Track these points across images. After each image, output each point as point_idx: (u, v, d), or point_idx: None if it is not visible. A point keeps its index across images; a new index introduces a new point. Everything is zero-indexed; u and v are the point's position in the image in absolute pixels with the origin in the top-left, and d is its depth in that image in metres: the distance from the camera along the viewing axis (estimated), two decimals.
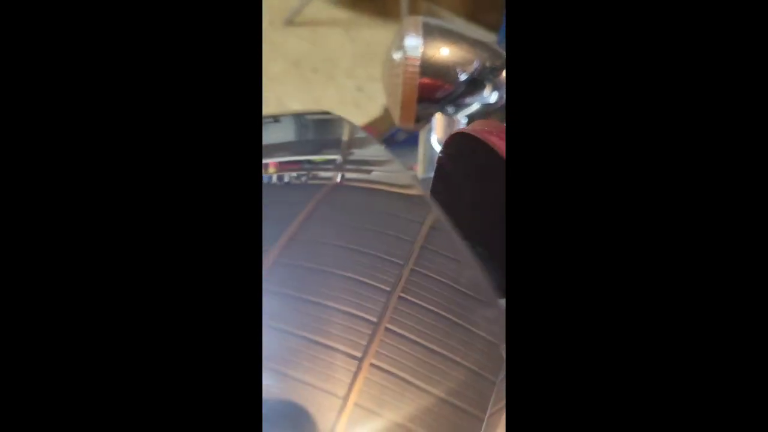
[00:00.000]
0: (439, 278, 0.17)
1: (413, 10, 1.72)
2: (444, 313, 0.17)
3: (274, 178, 0.20)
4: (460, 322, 0.17)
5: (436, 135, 0.42)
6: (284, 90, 1.58)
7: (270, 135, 0.23)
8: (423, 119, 0.43)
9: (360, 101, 1.58)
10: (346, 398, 0.15)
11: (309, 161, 0.21)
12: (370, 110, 1.44)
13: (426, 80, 0.41)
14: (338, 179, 0.20)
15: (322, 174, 0.21)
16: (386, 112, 0.91)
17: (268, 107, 1.52)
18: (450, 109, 0.42)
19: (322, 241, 0.18)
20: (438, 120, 0.42)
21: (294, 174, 0.20)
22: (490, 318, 0.17)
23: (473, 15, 1.70)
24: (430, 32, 0.41)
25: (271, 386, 0.15)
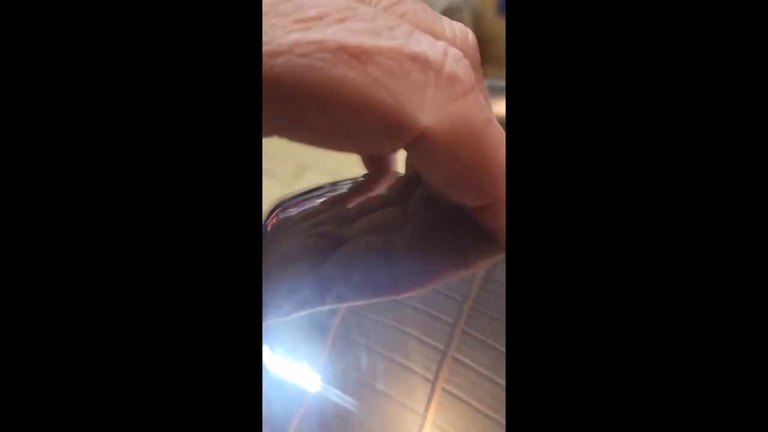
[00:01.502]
0: (497, 316, 0.18)
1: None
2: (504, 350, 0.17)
3: None
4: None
5: None
6: None
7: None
8: None
9: None
10: (424, 416, 0.16)
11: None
12: None
13: None
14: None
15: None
16: None
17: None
18: None
19: None
20: None
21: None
22: None
23: None
24: (494, 93, 0.46)
25: (359, 396, 0.16)
